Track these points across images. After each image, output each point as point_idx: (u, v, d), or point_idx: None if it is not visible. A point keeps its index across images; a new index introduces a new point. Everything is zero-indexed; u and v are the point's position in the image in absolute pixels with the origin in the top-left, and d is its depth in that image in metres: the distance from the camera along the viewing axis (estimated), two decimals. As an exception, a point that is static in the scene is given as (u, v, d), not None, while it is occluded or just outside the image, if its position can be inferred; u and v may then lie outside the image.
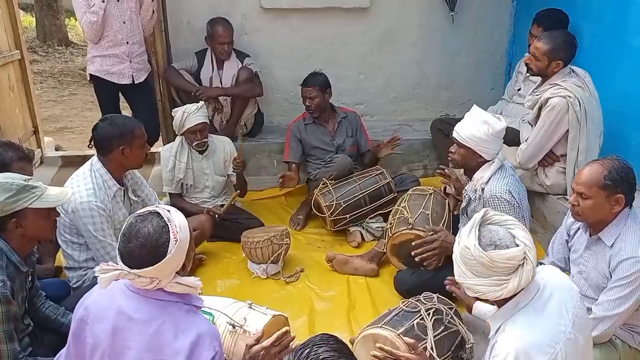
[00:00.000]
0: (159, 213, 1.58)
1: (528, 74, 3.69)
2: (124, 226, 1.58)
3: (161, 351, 1.52)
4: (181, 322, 1.55)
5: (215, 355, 1.53)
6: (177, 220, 1.58)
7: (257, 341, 1.80)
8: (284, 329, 1.86)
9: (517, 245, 1.59)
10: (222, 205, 3.48)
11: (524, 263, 1.59)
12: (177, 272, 1.61)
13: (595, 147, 3.11)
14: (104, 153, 2.62)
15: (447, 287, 2.32)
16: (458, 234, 1.74)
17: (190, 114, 3.35)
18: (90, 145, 2.67)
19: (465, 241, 1.62)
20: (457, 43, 4.65)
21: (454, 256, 1.70)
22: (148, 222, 1.55)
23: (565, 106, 2.98)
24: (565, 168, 3.16)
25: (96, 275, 1.57)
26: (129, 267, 1.53)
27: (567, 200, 3.12)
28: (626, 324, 2.23)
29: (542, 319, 1.62)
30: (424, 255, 2.71)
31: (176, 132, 3.51)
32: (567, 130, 3.04)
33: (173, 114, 3.45)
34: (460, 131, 2.68)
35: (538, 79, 3.51)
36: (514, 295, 1.64)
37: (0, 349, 1.91)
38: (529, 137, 3.18)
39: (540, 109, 3.10)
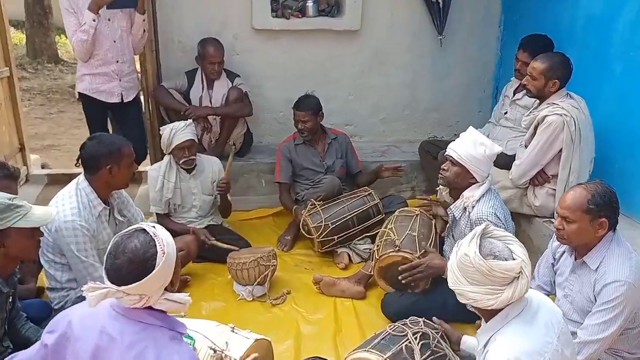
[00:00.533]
0: (144, 229, 1.57)
1: (514, 98, 3.76)
2: (109, 245, 1.57)
3: None
4: (164, 349, 1.53)
5: None
6: (163, 236, 1.58)
7: None
8: (252, 356, 1.85)
9: (514, 259, 1.65)
10: (209, 228, 3.47)
11: (519, 276, 1.64)
12: (165, 289, 1.59)
13: (586, 171, 3.15)
14: (91, 172, 2.60)
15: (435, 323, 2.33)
16: (454, 248, 1.76)
17: (178, 131, 3.35)
18: (78, 164, 2.66)
19: (466, 249, 1.67)
20: (445, 66, 4.72)
21: (449, 264, 1.75)
22: (134, 237, 1.54)
23: (561, 124, 3.02)
24: (555, 190, 3.19)
25: (83, 293, 1.53)
26: (116, 284, 1.51)
27: (553, 223, 3.17)
28: (611, 348, 2.23)
29: (531, 329, 1.67)
30: (410, 278, 2.72)
31: (164, 151, 3.50)
32: (561, 149, 3.09)
33: (161, 132, 3.45)
34: (457, 149, 2.70)
35: (525, 102, 3.59)
36: (504, 307, 1.69)
37: (-22, 372, 1.87)
38: (524, 153, 3.23)
39: (536, 127, 3.15)
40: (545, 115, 3.07)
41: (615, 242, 2.17)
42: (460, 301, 1.75)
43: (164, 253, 1.54)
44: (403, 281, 2.69)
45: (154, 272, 1.51)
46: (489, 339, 1.72)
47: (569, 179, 3.10)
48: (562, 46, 3.65)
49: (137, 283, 1.50)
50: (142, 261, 1.51)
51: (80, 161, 2.64)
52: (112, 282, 1.51)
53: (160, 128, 3.50)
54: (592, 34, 3.48)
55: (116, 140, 2.67)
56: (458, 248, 1.73)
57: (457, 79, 4.78)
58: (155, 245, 1.54)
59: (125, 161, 2.62)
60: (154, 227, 1.59)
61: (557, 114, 3.03)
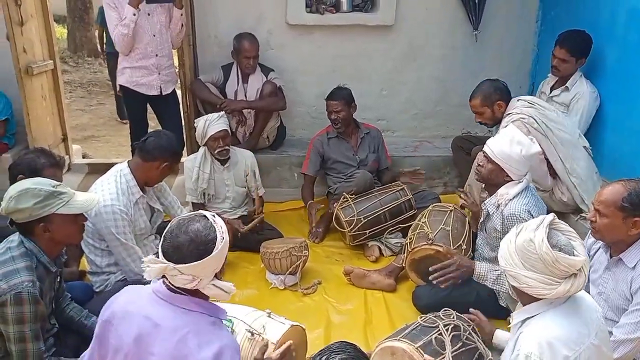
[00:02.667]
0: (204, 215, 1.64)
1: (551, 95, 3.71)
2: (169, 225, 1.63)
3: None
4: (205, 334, 1.57)
5: None
6: (221, 223, 1.65)
7: (263, 354, 1.81)
8: (288, 342, 1.88)
9: (576, 255, 1.64)
10: (242, 218, 3.54)
11: (578, 274, 1.64)
12: (215, 275, 1.65)
13: (578, 150, 3.25)
14: (146, 159, 2.73)
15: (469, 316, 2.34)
16: (513, 230, 1.76)
17: (212, 122, 3.44)
18: (133, 148, 2.80)
19: (531, 235, 1.65)
20: (479, 62, 4.66)
21: (503, 244, 1.74)
22: (196, 221, 1.61)
23: (523, 128, 3.11)
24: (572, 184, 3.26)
25: (143, 266, 1.59)
26: (173, 262, 1.56)
27: (584, 217, 3.15)
28: (648, 348, 2.20)
29: (569, 321, 1.66)
30: (441, 278, 2.69)
31: (199, 142, 3.59)
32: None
33: (195, 124, 3.54)
34: (493, 147, 2.69)
35: (563, 99, 3.57)
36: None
37: (27, 347, 1.97)
38: None
39: None
40: (506, 125, 3.17)
41: (654, 242, 2.14)
42: (511, 283, 1.73)
43: (222, 239, 1.61)
44: (434, 281, 2.67)
45: (212, 254, 1.57)
46: (525, 321, 1.72)
47: (566, 167, 3.20)
48: (601, 42, 3.58)
49: (195, 263, 1.55)
50: (202, 242, 1.57)
51: (136, 146, 2.79)
52: (169, 260, 1.57)
53: (195, 120, 3.59)
54: (634, 30, 3.38)
55: (179, 145, 2.94)
56: (519, 231, 1.71)
57: (492, 74, 4.63)
58: (216, 231, 1.60)
59: (177, 165, 2.89)
60: (213, 215, 1.66)
61: (514, 120, 3.17)
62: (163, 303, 1.61)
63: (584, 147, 3.34)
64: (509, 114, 3.26)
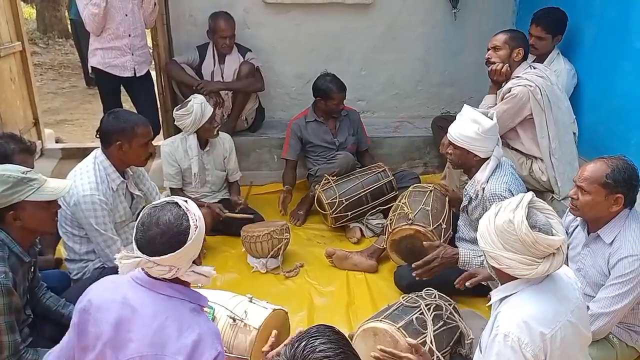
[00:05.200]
0: (176, 203, 1.59)
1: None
2: (140, 216, 1.58)
3: (163, 347, 1.50)
4: (185, 320, 1.55)
5: (218, 355, 1.53)
6: (195, 210, 1.60)
7: (272, 347, 1.78)
8: (274, 333, 1.82)
9: (554, 235, 1.63)
10: (223, 202, 3.50)
11: (557, 253, 1.64)
12: (194, 262, 1.62)
13: (567, 135, 3.23)
14: (104, 145, 2.63)
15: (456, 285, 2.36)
16: (492, 210, 1.74)
17: (206, 104, 3.38)
18: (97, 136, 2.67)
19: (510, 215, 1.64)
20: (459, 40, 4.65)
21: (483, 225, 1.72)
22: (167, 210, 1.56)
23: (527, 94, 3.08)
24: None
25: (116, 262, 1.56)
26: (148, 255, 1.53)
27: (555, 198, 3.19)
28: (623, 322, 2.25)
29: (546, 299, 1.67)
30: (425, 275, 2.63)
31: (188, 129, 3.39)
32: (531, 116, 3.15)
33: (184, 113, 3.33)
34: (453, 132, 2.68)
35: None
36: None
37: (2, 340, 1.92)
38: None
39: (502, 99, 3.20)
40: (511, 87, 3.13)
41: (631, 218, 2.17)
42: (491, 264, 1.73)
43: (196, 227, 1.57)
44: (417, 278, 2.62)
45: (186, 245, 1.54)
46: (503, 299, 1.73)
47: (551, 146, 3.17)
48: (578, 20, 3.58)
49: (170, 254, 1.52)
50: (175, 234, 1.53)
51: (98, 134, 2.66)
52: (143, 253, 1.53)
53: (180, 110, 3.36)
54: (611, 7, 3.39)
55: (133, 118, 2.65)
56: (497, 210, 1.69)
57: (472, 53, 4.70)
58: (189, 220, 1.56)
59: (138, 140, 2.60)
60: (185, 201, 1.61)
61: (520, 85, 3.11)
62: (142, 289, 1.58)
63: (573, 132, 3.34)
64: (518, 77, 3.17)
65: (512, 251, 1.64)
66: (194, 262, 1.62)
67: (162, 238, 1.52)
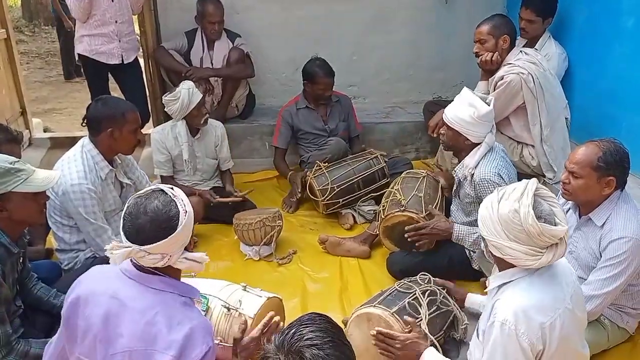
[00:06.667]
0: (162, 190, 1.56)
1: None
2: (127, 206, 1.55)
3: (153, 342, 1.48)
4: (176, 315, 1.52)
5: (208, 350, 1.50)
6: (182, 196, 1.58)
7: (243, 333, 1.79)
8: (269, 314, 1.85)
9: (557, 224, 1.61)
10: (214, 190, 3.47)
11: (560, 242, 1.62)
12: (185, 249, 1.59)
13: (559, 121, 3.20)
14: (93, 133, 2.59)
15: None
16: (494, 196, 1.70)
17: (194, 90, 3.33)
18: (83, 124, 2.63)
19: (515, 205, 1.60)
20: (450, 24, 4.61)
21: (482, 213, 1.69)
22: (154, 198, 1.53)
23: (519, 82, 3.04)
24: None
25: (106, 253, 1.53)
26: (137, 244, 1.50)
27: (546, 181, 3.19)
28: (615, 304, 2.27)
29: (545, 287, 1.65)
30: (414, 238, 2.73)
31: (177, 115, 3.36)
32: (523, 104, 3.11)
33: (172, 98, 3.31)
34: (448, 113, 2.67)
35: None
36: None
37: (-8, 331, 1.90)
38: None
39: (495, 88, 3.16)
40: (503, 75, 3.09)
41: (622, 200, 2.18)
42: (494, 253, 1.71)
43: (185, 212, 1.54)
44: (409, 239, 2.69)
45: (177, 231, 1.51)
46: (501, 287, 1.72)
47: (543, 133, 3.14)
48: (569, 2, 3.55)
49: (160, 242, 1.49)
50: (164, 221, 1.50)
51: (85, 122, 2.61)
52: (133, 242, 1.50)
53: (169, 96, 3.34)
54: (602, -12, 3.38)
55: (122, 104, 2.63)
56: (500, 197, 1.65)
57: (463, 37, 4.64)
58: (177, 205, 1.53)
59: (128, 126, 2.58)
60: (171, 188, 1.58)
61: (513, 73, 3.05)
62: (132, 283, 1.55)
63: (565, 117, 3.33)
64: (510, 64, 3.12)
65: (515, 241, 1.61)
66: (185, 248, 1.59)
67: (151, 225, 1.49)
